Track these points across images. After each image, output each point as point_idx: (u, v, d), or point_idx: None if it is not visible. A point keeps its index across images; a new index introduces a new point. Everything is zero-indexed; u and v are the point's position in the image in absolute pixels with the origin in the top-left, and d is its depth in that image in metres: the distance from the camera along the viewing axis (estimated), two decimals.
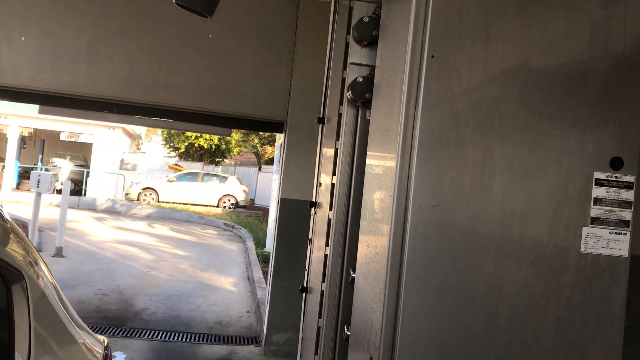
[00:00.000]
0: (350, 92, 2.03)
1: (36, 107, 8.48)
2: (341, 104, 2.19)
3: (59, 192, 14.99)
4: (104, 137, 24.15)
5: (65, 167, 24.05)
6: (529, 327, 1.53)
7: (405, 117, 1.53)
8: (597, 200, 1.56)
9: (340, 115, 2.17)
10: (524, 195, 1.53)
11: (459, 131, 1.52)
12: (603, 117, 1.57)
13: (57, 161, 24.68)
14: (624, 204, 1.57)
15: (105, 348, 2.27)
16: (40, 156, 26.63)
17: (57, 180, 18.61)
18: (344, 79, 2.14)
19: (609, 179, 1.57)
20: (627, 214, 1.58)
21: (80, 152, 26.79)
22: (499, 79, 1.54)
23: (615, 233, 1.57)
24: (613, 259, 1.57)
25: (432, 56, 1.53)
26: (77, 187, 23.16)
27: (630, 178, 1.58)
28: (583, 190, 1.56)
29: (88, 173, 23.80)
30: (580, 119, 1.57)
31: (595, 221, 1.56)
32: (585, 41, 1.58)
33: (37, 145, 27.65)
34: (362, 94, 2.00)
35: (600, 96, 1.57)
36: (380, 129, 1.84)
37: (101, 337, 2.37)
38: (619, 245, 1.57)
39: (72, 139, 30.95)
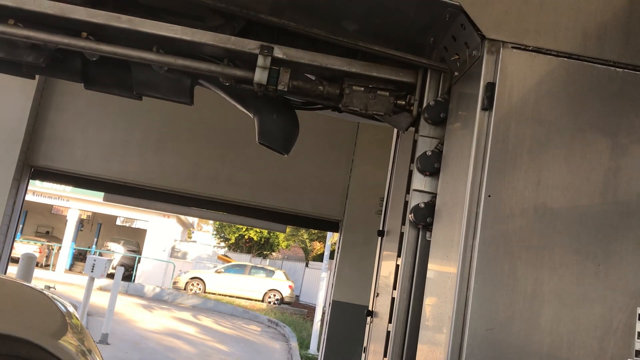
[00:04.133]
0: (412, 215, 2.27)
1: (100, 192, 9.01)
2: (403, 223, 2.42)
3: (109, 276, 15.38)
4: (158, 224, 24.84)
5: (118, 252, 24.72)
6: None
7: (463, 250, 1.75)
8: None
9: (402, 234, 2.40)
10: (571, 325, 1.69)
11: (511, 263, 1.73)
12: None
13: (111, 245, 25.41)
14: None
15: None
16: (95, 239, 27.53)
17: (111, 267, 19.12)
18: (406, 202, 2.39)
19: None
20: None
21: (134, 238, 27.58)
22: (548, 219, 1.76)
23: None
24: None
25: (489, 196, 1.77)
26: (128, 272, 23.65)
27: None
28: (627, 324, 1.71)
29: (139, 259, 24.36)
30: (623, 257, 1.75)
31: None
32: (627, 184, 1.80)
33: (94, 228, 28.67)
34: (424, 218, 2.24)
35: None
36: (440, 254, 2.05)
37: None
38: None
39: (127, 224, 32.00)
